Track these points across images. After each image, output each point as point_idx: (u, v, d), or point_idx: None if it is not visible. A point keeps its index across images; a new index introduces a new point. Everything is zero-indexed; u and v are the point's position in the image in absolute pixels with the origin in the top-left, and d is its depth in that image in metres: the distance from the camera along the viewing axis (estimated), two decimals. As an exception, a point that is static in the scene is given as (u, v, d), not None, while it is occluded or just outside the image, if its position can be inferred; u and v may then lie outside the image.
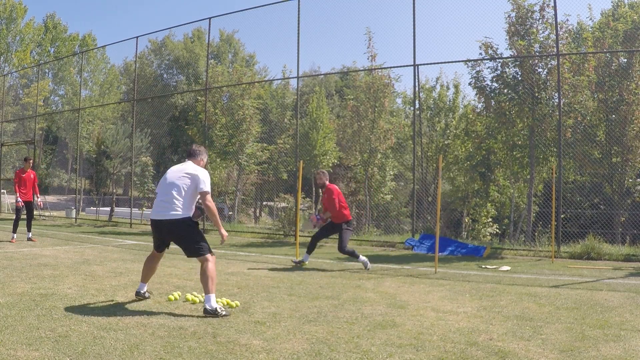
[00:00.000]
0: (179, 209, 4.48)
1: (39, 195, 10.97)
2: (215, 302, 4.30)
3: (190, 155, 4.80)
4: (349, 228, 7.66)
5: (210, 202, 4.53)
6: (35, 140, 22.75)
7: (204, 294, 4.42)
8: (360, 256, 7.57)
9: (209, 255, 4.49)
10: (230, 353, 3.29)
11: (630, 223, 12.53)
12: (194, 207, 4.62)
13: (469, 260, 9.21)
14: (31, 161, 11.01)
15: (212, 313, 4.21)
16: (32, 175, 10.71)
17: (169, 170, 4.75)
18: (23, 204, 10.48)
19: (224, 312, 4.26)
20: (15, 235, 10.30)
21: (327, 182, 7.77)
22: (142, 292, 4.79)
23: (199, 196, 4.59)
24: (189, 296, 4.91)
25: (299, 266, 7.76)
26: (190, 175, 4.54)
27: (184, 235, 4.51)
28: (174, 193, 4.51)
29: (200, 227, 15.05)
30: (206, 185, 4.52)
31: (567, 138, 11.75)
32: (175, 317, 4.20)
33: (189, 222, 4.52)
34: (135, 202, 21.26)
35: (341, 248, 7.52)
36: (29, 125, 31.63)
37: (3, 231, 12.03)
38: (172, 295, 4.95)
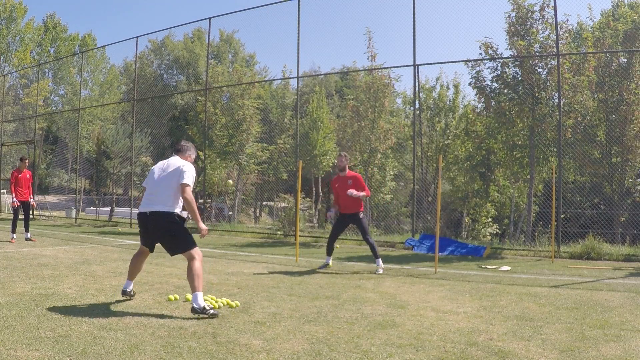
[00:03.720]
0: (165, 203, 4.49)
1: (32, 196, 10.91)
2: (202, 300, 4.26)
3: (178, 151, 4.80)
4: (364, 215, 7.61)
5: (188, 194, 4.50)
6: (35, 140, 22.75)
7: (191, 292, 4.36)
8: (380, 260, 7.45)
9: (194, 251, 4.43)
10: (230, 353, 3.29)
11: (630, 223, 12.52)
12: (181, 202, 4.62)
13: (469, 260, 9.21)
14: (27, 161, 10.96)
15: (200, 311, 4.17)
16: (28, 175, 10.68)
17: (155, 165, 4.78)
18: (19, 204, 10.46)
19: (212, 311, 4.22)
20: (14, 235, 10.30)
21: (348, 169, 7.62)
22: (128, 290, 4.76)
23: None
24: (189, 296, 4.91)
25: (324, 269, 7.56)
26: (174, 169, 4.56)
27: (168, 230, 4.48)
28: (161, 188, 4.54)
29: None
30: (186, 178, 4.50)
31: (567, 138, 11.75)
32: (175, 317, 4.20)
33: (174, 217, 4.50)
34: (135, 202, 21.25)
35: (366, 237, 7.45)
36: (29, 125, 31.61)
37: (3, 231, 12.03)
38: (172, 296, 4.95)
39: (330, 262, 7.78)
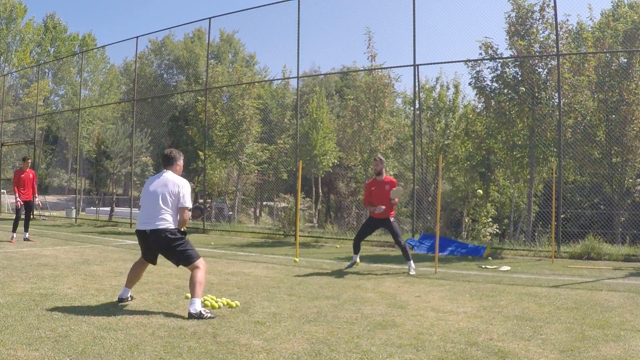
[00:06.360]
0: (164, 220, 4.51)
1: (37, 195, 10.96)
2: (200, 306, 4.27)
3: (167, 164, 4.78)
4: (395, 220, 7.57)
5: (187, 216, 4.60)
6: (35, 140, 22.75)
7: (190, 297, 4.38)
8: (412, 261, 7.36)
9: (198, 262, 4.49)
10: (230, 353, 3.29)
11: (630, 223, 12.51)
12: (177, 217, 4.64)
13: (469, 260, 9.21)
14: (29, 161, 10.99)
15: (197, 317, 4.18)
16: (31, 175, 10.71)
17: (149, 182, 4.75)
18: (22, 203, 10.47)
19: (209, 315, 4.23)
20: (14, 234, 10.29)
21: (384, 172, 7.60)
22: (124, 297, 4.75)
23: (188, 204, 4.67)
24: (189, 295, 4.89)
25: (351, 268, 7.56)
26: (172, 189, 4.57)
27: (170, 246, 4.50)
28: (159, 204, 4.55)
29: (200, 227, 15.04)
30: (187, 201, 4.59)
31: (567, 138, 11.74)
32: (175, 317, 4.20)
33: (175, 232, 4.53)
34: (135, 202, 21.26)
35: (398, 241, 7.41)
36: (29, 125, 31.61)
37: (3, 231, 12.03)
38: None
39: (358, 260, 7.71)
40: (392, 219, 7.48)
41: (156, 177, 4.74)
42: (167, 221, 4.51)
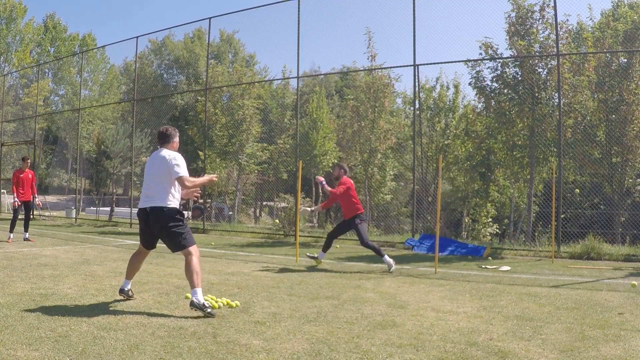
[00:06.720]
0: (164, 199, 4.53)
1: (37, 195, 10.94)
2: (201, 296, 4.27)
3: (163, 142, 4.78)
4: (362, 220, 7.53)
5: (189, 182, 4.54)
6: (35, 140, 22.74)
7: (190, 289, 4.38)
8: (386, 256, 7.36)
9: (192, 249, 4.47)
10: (230, 353, 3.29)
11: (630, 223, 12.51)
12: (178, 195, 4.66)
13: (469, 260, 9.21)
14: (29, 161, 10.96)
15: (199, 307, 4.17)
16: (30, 175, 10.68)
17: (148, 161, 4.79)
18: (20, 203, 10.46)
19: (209, 310, 4.22)
20: (12, 235, 10.28)
21: (344, 176, 7.75)
22: (126, 289, 4.77)
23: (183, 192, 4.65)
24: (189, 295, 4.90)
25: (312, 260, 7.81)
26: (165, 164, 4.57)
27: (167, 226, 4.49)
28: (156, 183, 4.58)
29: (200, 227, 15.04)
30: (180, 170, 4.53)
31: (567, 138, 11.75)
32: (175, 317, 4.20)
33: (173, 212, 4.54)
34: (135, 202, 21.26)
35: (364, 243, 7.38)
36: (29, 125, 31.60)
37: (3, 231, 12.03)
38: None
39: (322, 259, 7.81)
40: (357, 220, 7.45)
41: (153, 155, 4.77)
42: (167, 200, 4.53)
